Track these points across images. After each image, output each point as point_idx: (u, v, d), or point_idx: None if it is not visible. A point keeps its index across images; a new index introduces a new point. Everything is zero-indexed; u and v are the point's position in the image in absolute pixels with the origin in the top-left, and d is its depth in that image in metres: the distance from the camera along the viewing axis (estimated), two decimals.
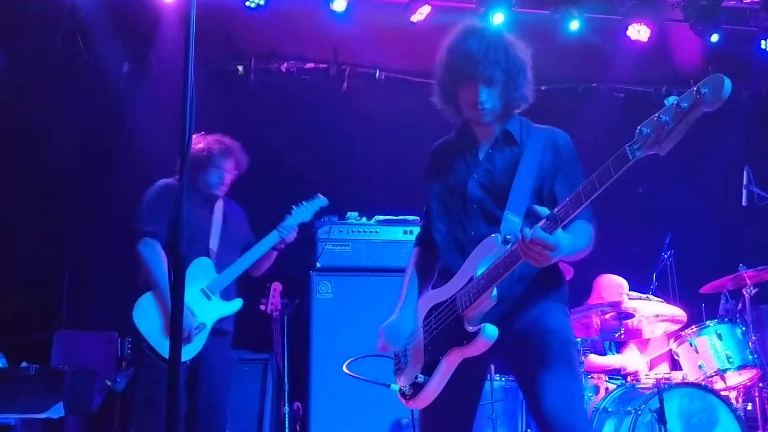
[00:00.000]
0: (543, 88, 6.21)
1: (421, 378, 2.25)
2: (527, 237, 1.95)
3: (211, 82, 5.44)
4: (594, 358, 4.62)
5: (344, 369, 2.62)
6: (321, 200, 3.87)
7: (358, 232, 4.68)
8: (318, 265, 4.59)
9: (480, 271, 2.16)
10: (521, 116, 2.41)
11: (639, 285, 4.94)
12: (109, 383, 4.61)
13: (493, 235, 2.18)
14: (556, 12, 5.66)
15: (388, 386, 2.37)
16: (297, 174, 5.46)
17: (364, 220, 4.75)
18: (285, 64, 6.15)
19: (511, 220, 2.18)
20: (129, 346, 4.64)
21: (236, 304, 3.49)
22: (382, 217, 4.76)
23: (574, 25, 5.67)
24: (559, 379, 2.13)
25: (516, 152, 2.32)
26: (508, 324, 2.19)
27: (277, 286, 4.46)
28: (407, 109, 5.68)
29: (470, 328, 2.14)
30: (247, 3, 5.11)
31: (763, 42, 6.10)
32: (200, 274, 3.38)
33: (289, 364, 4.37)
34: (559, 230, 1.97)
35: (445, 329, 2.24)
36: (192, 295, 3.30)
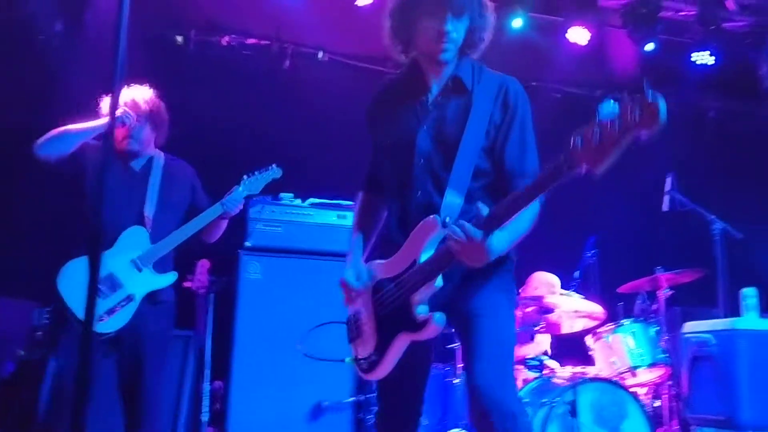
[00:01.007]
0: None
1: (374, 356, 2.27)
2: (461, 237, 1.96)
3: (148, 49, 5.27)
4: None
5: (298, 347, 2.59)
6: (275, 171, 3.64)
7: (291, 213, 4.63)
8: (248, 244, 4.52)
9: (424, 257, 2.15)
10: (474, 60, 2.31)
11: (563, 281, 5.09)
12: (21, 352, 4.46)
13: (432, 217, 2.15)
14: (500, 7, 5.72)
15: (343, 361, 2.38)
16: (233, 150, 5.36)
17: (298, 201, 4.71)
18: (226, 38, 6.03)
19: (452, 201, 2.16)
20: (46, 316, 4.48)
21: (169, 277, 3.33)
22: (316, 200, 4.73)
23: (517, 23, 5.77)
24: (495, 355, 2.16)
25: (466, 102, 2.22)
26: (453, 299, 2.20)
27: (204, 263, 4.37)
28: (349, 93, 5.65)
29: (419, 317, 2.15)
30: None
31: (693, 54, 6.35)
32: (133, 244, 3.23)
33: (213, 343, 4.31)
34: (496, 232, 1.97)
35: (395, 311, 2.23)
36: (121, 266, 3.18)
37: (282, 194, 4.70)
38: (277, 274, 4.48)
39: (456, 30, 2.18)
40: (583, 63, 6.39)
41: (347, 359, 2.38)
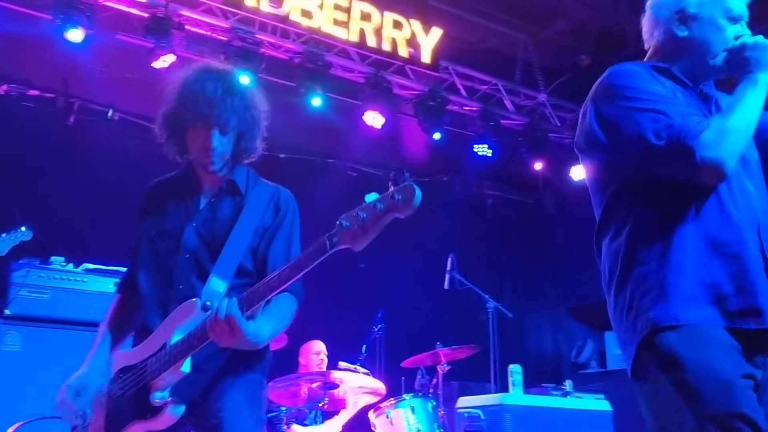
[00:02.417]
0: (282, 156, 6.41)
1: None
2: (219, 314, 1.90)
3: None
4: (297, 429, 4.64)
5: None
6: (23, 233, 3.46)
7: (62, 279, 4.24)
8: (7, 312, 4.04)
9: (175, 339, 2.05)
10: (249, 168, 2.35)
11: (350, 356, 5.14)
12: None
13: (192, 300, 2.08)
14: (301, 86, 5.88)
15: None
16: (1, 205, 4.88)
17: (70, 266, 4.33)
18: (5, 87, 5.57)
19: (216, 284, 2.11)
20: None
21: None
22: (91, 266, 4.38)
23: (316, 102, 5.93)
24: None
25: (239, 205, 2.24)
26: (202, 397, 2.10)
27: None
28: (139, 155, 5.39)
29: (156, 402, 2.02)
30: None
31: (475, 146, 6.93)
32: None
33: None
34: (258, 320, 1.96)
35: (130, 398, 2.09)
36: None
37: (53, 258, 4.31)
38: (39, 347, 4.03)
39: (222, 144, 2.21)
40: (378, 145, 6.72)
41: None
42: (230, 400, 2.12)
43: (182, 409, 2.03)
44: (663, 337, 1.70)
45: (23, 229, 3.49)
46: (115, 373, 2.18)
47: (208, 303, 2.05)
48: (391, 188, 1.81)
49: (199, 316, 2.04)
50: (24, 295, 4.10)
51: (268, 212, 2.25)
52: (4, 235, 3.41)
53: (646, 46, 2.07)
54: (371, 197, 1.84)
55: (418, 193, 1.78)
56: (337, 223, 1.86)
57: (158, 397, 2.02)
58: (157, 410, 2.01)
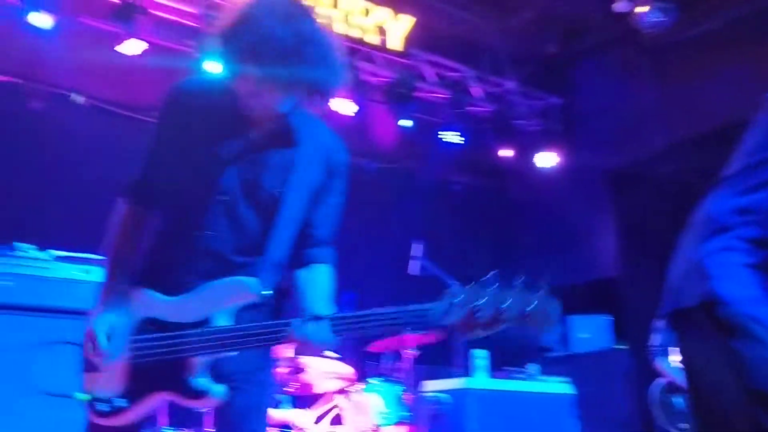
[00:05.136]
0: None
1: (122, 402, 1.95)
2: (315, 341, 1.79)
3: None
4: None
5: None
6: None
7: (28, 266, 4.21)
8: None
9: (221, 321, 1.88)
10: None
11: None
12: None
13: (251, 282, 1.89)
14: None
15: (73, 397, 1.99)
16: None
17: (38, 253, 4.29)
18: None
19: (270, 267, 1.95)
20: None
21: None
22: (61, 253, 4.35)
23: None
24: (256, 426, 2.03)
25: (291, 157, 1.94)
26: (220, 362, 1.93)
27: None
28: (106, 140, 5.39)
29: (198, 386, 1.90)
30: None
31: (444, 133, 7.00)
32: None
33: None
34: (323, 323, 1.81)
35: (164, 366, 1.91)
36: None
37: (21, 244, 4.27)
38: (3, 335, 3.99)
39: (286, 106, 1.88)
40: (345, 131, 6.70)
41: (80, 395, 1.98)
42: (245, 371, 1.96)
43: (223, 392, 1.90)
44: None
45: None
46: (141, 320, 1.96)
47: (264, 293, 1.90)
48: (536, 300, 1.65)
49: (252, 300, 1.89)
50: None
51: (320, 171, 1.99)
52: None
53: None
54: (506, 299, 1.64)
55: (558, 312, 1.66)
56: (466, 310, 1.66)
57: (201, 382, 1.90)
58: (200, 393, 1.90)
